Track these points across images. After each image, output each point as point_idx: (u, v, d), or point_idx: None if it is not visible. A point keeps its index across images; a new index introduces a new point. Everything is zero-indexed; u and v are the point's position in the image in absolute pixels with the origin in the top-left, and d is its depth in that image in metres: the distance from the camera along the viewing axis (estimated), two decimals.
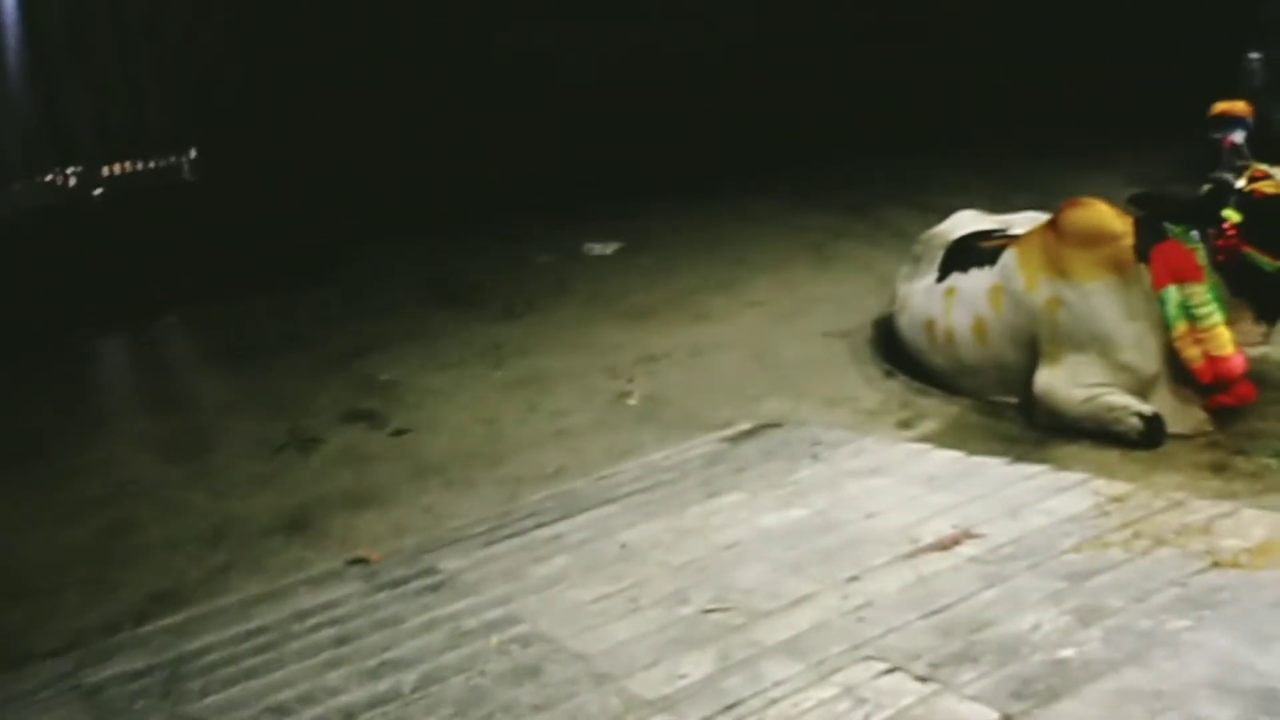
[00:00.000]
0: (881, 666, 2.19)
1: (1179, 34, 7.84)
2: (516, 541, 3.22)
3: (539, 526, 3.29)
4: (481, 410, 4.68)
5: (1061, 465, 3.48)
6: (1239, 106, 3.64)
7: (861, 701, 2.08)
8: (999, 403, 4.18)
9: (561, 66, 9.02)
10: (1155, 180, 5.97)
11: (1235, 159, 3.68)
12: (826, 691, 2.13)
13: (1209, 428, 3.74)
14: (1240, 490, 3.27)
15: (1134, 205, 3.82)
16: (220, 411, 5.17)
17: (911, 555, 2.72)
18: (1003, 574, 2.55)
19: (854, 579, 2.63)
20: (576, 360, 5.09)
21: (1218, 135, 3.62)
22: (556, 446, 4.18)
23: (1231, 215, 3.63)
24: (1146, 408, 3.72)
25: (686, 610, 2.58)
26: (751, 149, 8.67)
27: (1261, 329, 3.81)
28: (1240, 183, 3.64)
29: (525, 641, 2.56)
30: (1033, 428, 3.96)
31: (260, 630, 2.96)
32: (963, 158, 8.10)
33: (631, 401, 4.57)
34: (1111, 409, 3.74)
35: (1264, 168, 3.67)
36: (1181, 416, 3.76)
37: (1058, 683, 2.05)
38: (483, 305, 6.14)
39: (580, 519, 3.27)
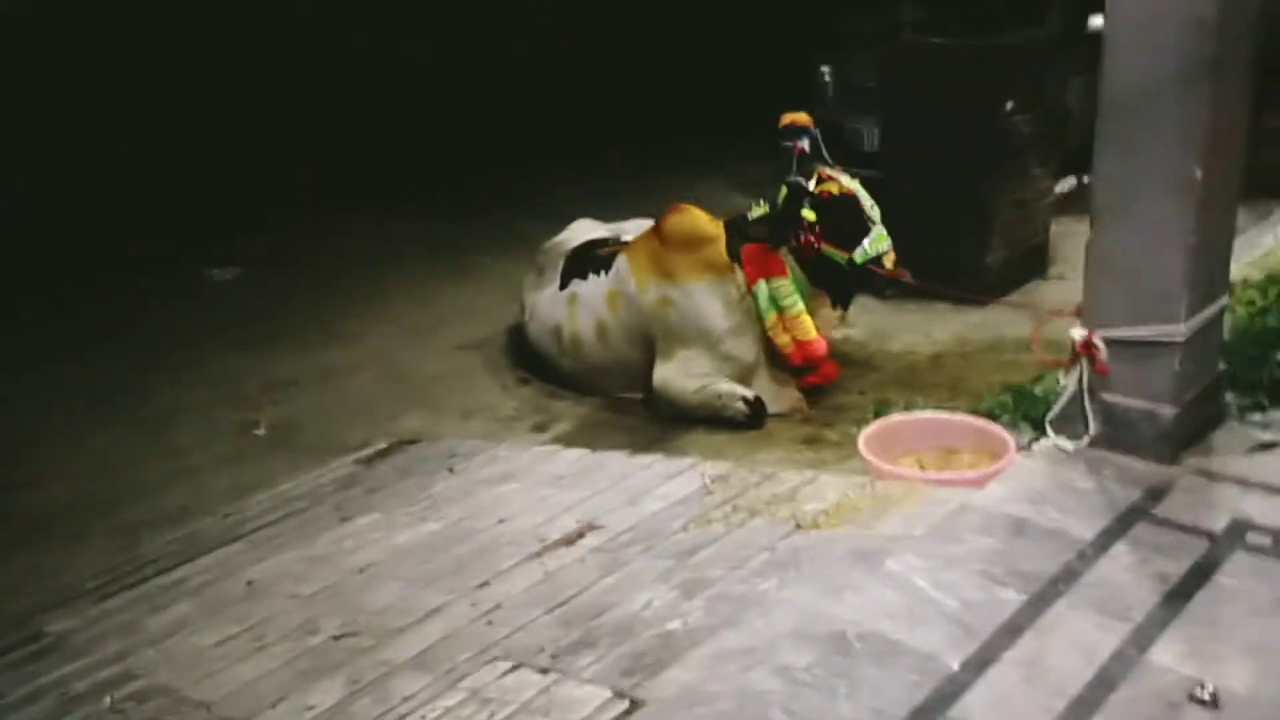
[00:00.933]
0: (506, 666, 2.27)
1: (773, 49, 8.61)
2: (133, 593, 3.03)
3: (158, 574, 3.10)
4: (95, 455, 4.32)
5: (679, 452, 3.76)
6: (802, 117, 4.07)
7: (486, 702, 2.15)
8: (625, 399, 4.43)
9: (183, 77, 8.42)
10: (756, 182, 6.55)
11: (806, 164, 4.11)
12: (453, 699, 2.18)
13: (803, 406, 4.18)
14: (828, 459, 3.67)
15: (727, 230, 4.19)
16: None
17: (539, 554, 2.83)
18: (620, 560, 2.72)
19: (484, 585, 2.70)
20: (197, 393, 4.81)
21: (788, 143, 4.02)
22: (178, 486, 3.94)
23: (807, 215, 4.07)
24: (749, 393, 4.10)
25: (316, 640, 2.54)
26: (393, 165, 8.55)
27: (839, 314, 4.31)
28: (811, 185, 4.08)
29: (142, 697, 2.42)
30: (655, 419, 4.24)
31: None
32: (594, 168, 8.43)
33: (259, 431, 4.40)
34: (720, 396, 4.09)
35: (829, 171, 4.14)
36: (780, 398, 4.17)
37: (664, 654, 2.22)
38: (93, 341, 5.63)
39: (203, 561, 3.12)
